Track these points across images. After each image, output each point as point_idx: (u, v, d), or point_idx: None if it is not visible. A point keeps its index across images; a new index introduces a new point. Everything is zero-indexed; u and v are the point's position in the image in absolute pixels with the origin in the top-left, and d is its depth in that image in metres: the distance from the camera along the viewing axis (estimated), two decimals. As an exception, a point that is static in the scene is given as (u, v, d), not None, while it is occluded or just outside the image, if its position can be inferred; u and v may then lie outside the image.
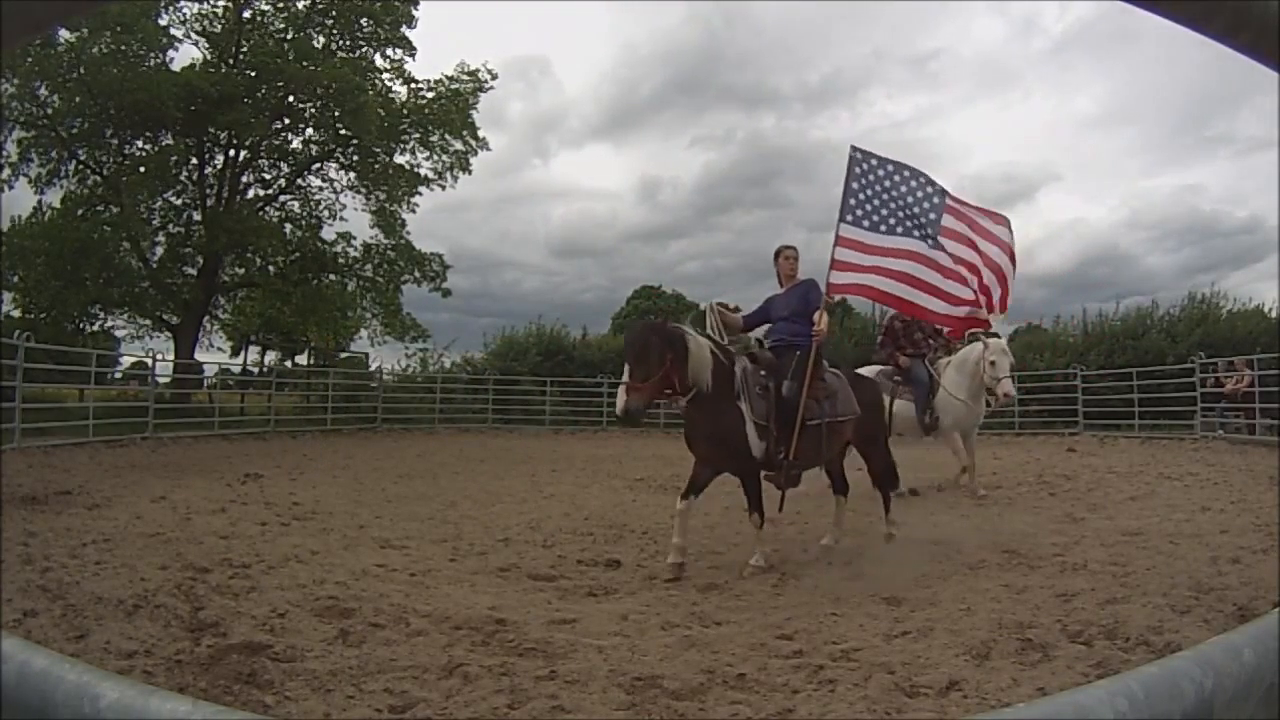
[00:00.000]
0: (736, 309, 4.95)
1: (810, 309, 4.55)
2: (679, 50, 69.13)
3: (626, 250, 58.23)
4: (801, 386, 4.36)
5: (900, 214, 4.68)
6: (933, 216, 4.69)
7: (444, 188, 19.10)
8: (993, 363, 7.00)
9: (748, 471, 4.38)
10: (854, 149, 4.76)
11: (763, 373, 4.46)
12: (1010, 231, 4.90)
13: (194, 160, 17.53)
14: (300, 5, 17.50)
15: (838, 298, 4.82)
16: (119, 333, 18.84)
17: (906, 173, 4.74)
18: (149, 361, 12.91)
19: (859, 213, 4.65)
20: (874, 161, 4.72)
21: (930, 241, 4.65)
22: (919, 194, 4.71)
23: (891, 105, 64.14)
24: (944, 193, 4.75)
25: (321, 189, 18.90)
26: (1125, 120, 56.32)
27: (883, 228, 4.65)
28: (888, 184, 4.69)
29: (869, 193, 4.67)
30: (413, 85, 18.47)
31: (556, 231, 58.53)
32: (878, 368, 7.59)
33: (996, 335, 7.27)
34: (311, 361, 22.38)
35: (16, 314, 16.41)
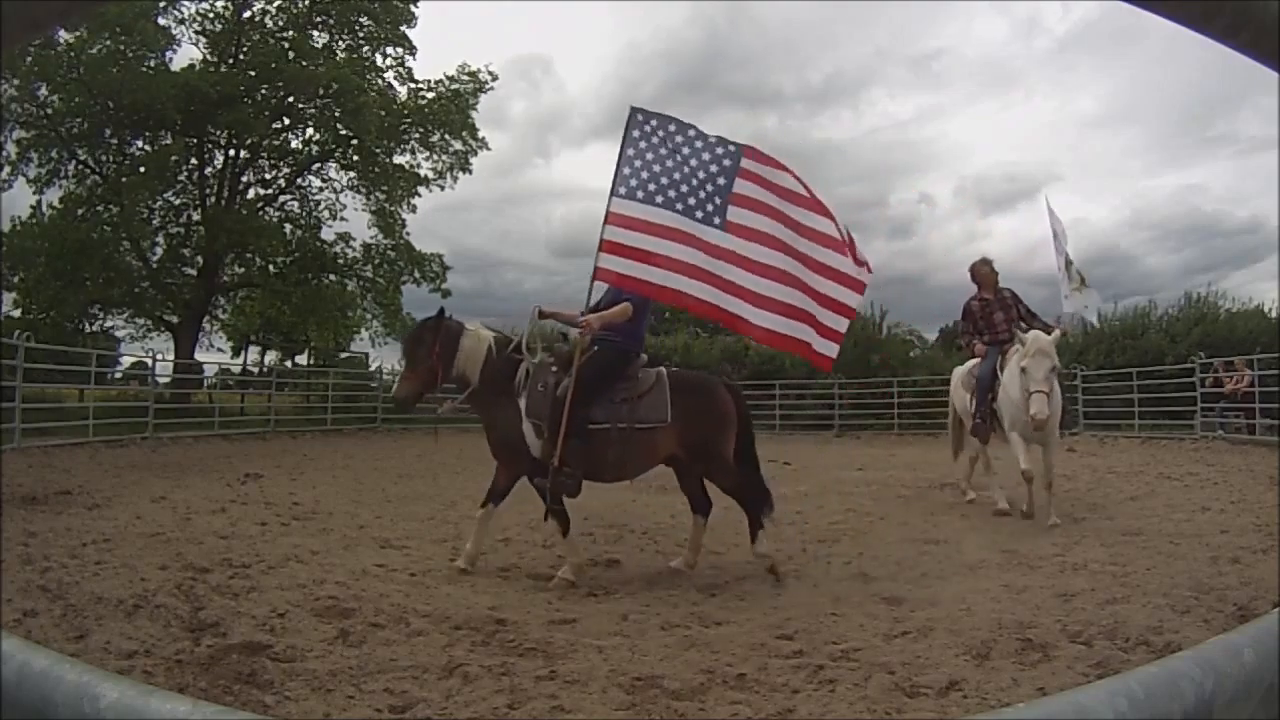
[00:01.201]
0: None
1: (619, 299, 4.10)
2: (682, 49, 69.13)
3: (628, 250, 58.10)
4: (572, 384, 3.94)
5: (683, 187, 3.94)
6: (720, 194, 3.92)
7: (443, 188, 19.15)
8: (1024, 369, 5.28)
9: (534, 471, 4.11)
10: (634, 109, 4.09)
11: (554, 369, 4.14)
12: (836, 226, 3.98)
13: (194, 160, 17.54)
14: (300, 5, 17.51)
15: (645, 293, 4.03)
16: (119, 333, 18.88)
17: (692, 132, 4.02)
18: (149, 361, 12.92)
19: (633, 183, 3.96)
20: (655, 123, 4.04)
21: (717, 221, 3.88)
22: (705, 156, 3.97)
23: (894, 105, 64.08)
24: (739, 154, 3.97)
25: (321, 189, 18.93)
26: (1127, 120, 56.31)
27: (659, 199, 3.93)
28: (672, 146, 4.00)
29: (647, 159, 3.99)
30: (412, 85, 18.53)
31: (558, 231, 58.41)
32: (974, 362, 6.35)
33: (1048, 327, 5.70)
34: (311, 361, 22.38)
35: (16, 314, 16.42)
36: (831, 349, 3.95)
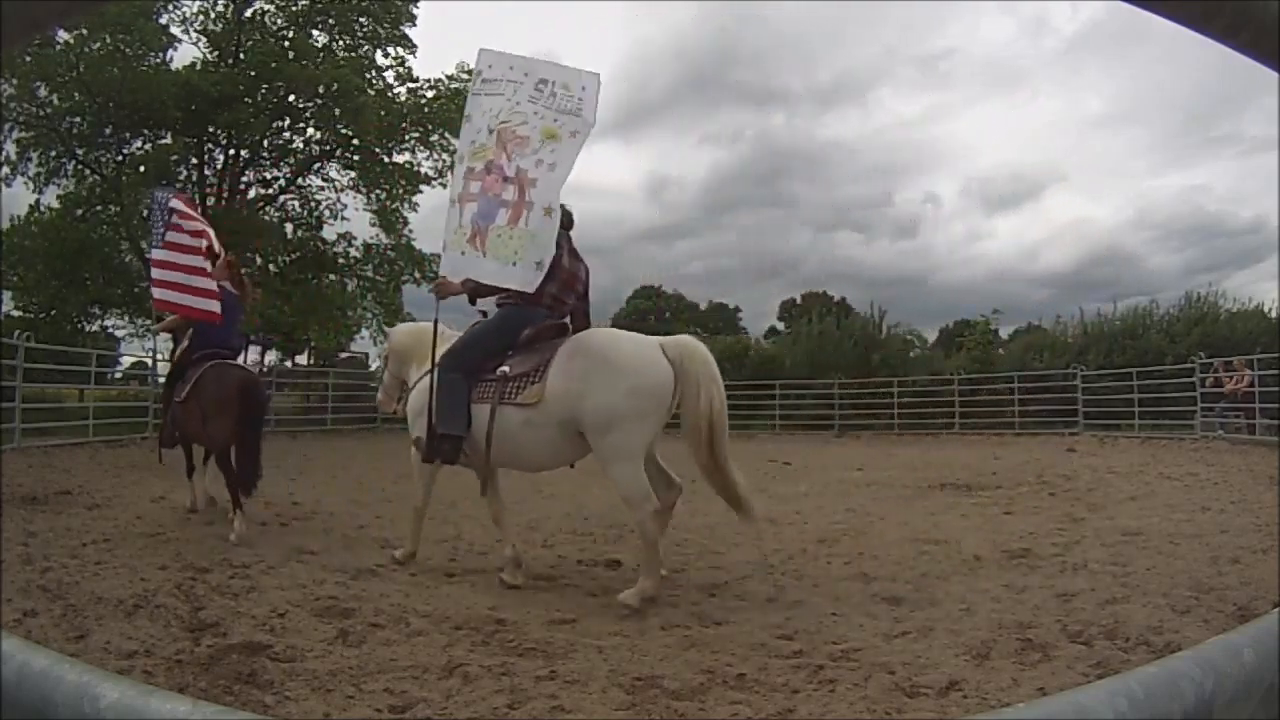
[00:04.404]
0: None
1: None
2: (690, 48, 69.03)
3: (632, 249, 58.07)
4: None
5: (169, 229, 5.70)
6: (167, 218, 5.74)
7: (444, 186, 19.12)
8: None
9: None
10: (156, 193, 6.31)
11: None
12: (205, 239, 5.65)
13: (194, 160, 17.54)
14: (300, 5, 17.50)
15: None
16: (119, 333, 18.87)
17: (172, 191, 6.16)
18: (149, 361, 12.94)
19: (154, 238, 5.87)
20: (169, 195, 5.99)
21: (157, 244, 5.72)
22: (171, 203, 5.83)
23: (901, 104, 64.06)
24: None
25: (322, 188, 18.92)
26: (1131, 120, 56.27)
27: (169, 241, 5.64)
28: (161, 206, 5.88)
29: (158, 218, 5.85)
30: (412, 85, 18.51)
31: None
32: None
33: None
34: (311, 361, 22.35)
35: (16, 314, 16.42)
36: (212, 305, 5.43)
